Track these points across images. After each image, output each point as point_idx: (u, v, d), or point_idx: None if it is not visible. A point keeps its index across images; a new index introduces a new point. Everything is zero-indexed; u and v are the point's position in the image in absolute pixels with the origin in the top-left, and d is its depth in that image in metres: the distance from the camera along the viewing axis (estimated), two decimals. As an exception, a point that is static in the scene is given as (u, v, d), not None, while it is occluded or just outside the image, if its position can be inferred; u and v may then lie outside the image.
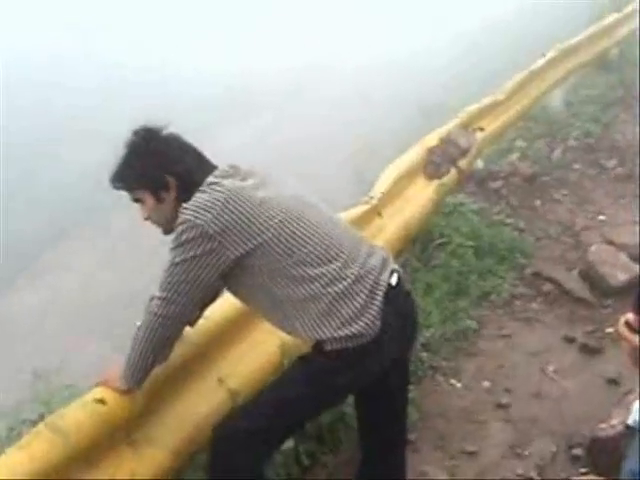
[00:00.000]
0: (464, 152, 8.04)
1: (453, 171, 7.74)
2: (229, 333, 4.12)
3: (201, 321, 3.75)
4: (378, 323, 3.19)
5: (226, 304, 3.91)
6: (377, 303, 3.22)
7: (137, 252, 11.90)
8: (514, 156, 9.75)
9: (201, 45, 22.60)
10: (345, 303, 3.17)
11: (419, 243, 6.90)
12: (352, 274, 3.22)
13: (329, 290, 3.17)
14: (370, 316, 3.18)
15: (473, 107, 9.08)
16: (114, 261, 12.22)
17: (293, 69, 19.89)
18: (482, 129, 9.00)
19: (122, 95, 18.59)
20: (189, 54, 21.98)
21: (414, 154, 7.40)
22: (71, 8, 24.45)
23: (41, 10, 24.21)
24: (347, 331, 3.15)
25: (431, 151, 7.60)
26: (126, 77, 20.33)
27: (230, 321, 4.07)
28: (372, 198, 6.08)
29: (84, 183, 14.17)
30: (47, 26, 23.37)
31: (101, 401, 3.34)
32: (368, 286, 3.24)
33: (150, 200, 3.39)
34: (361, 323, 3.16)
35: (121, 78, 20.24)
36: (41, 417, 3.90)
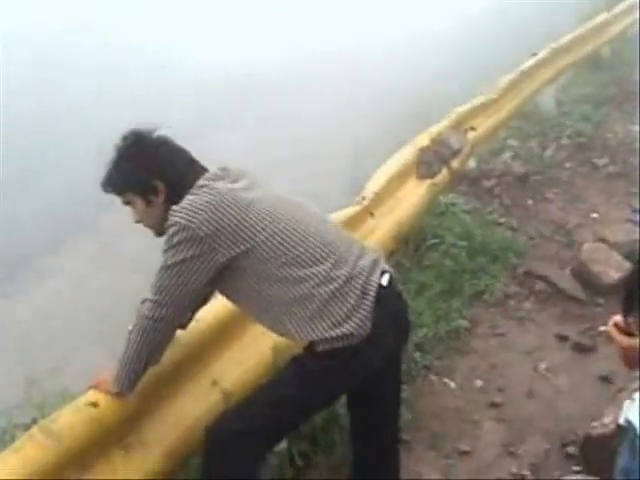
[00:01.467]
0: (456, 152, 8.06)
1: (445, 171, 7.75)
2: (221, 335, 4.13)
3: (193, 323, 3.76)
4: (369, 323, 3.20)
5: (218, 306, 3.92)
6: (368, 303, 3.22)
7: (131, 254, 11.91)
8: (506, 155, 9.76)
9: (204, 34, 22.59)
10: (336, 304, 3.18)
11: (411, 243, 6.91)
12: (343, 275, 3.23)
13: (320, 291, 3.18)
14: (361, 316, 3.18)
15: (465, 107, 9.10)
16: (107, 264, 12.20)
17: (295, 59, 19.87)
18: (474, 129, 9.01)
19: (124, 81, 18.63)
20: (191, 41, 21.97)
21: (406, 154, 7.41)
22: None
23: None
24: (338, 331, 3.15)
25: (423, 151, 7.61)
26: (127, 63, 20.34)
27: (222, 323, 4.08)
28: (364, 198, 6.09)
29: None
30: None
31: (94, 404, 3.35)
32: (359, 287, 3.24)
33: (139, 204, 3.40)
34: (352, 323, 3.16)
35: (123, 63, 20.25)
36: (34, 421, 3.89)
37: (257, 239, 3.16)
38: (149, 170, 3.39)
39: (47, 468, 3.07)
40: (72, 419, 3.27)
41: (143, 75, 19.13)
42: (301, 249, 3.21)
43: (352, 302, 3.20)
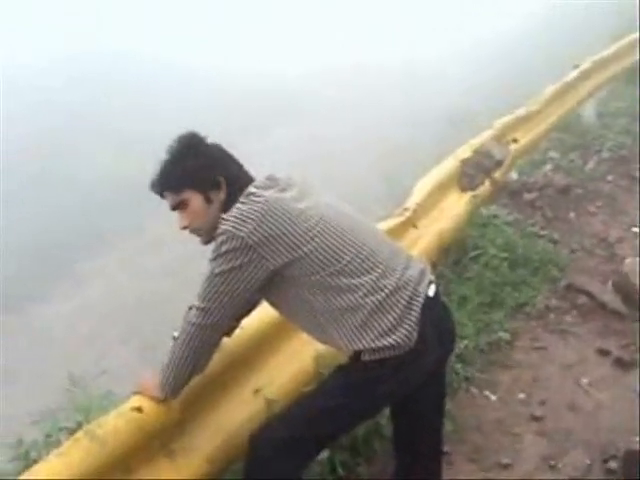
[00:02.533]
0: (498, 164, 8.04)
1: (487, 183, 7.74)
2: (265, 343, 4.15)
3: (238, 331, 3.78)
4: (415, 334, 3.19)
5: (262, 314, 3.93)
6: (415, 314, 3.22)
7: (166, 259, 12.00)
8: (548, 167, 9.72)
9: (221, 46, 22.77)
10: (383, 314, 3.18)
11: (453, 254, 6.90)
12: (390, 285, 3.23)
13: (367, 301, 3.18)
14: (408, 327, 3.18)
15: (507, 118, 9.09)
16: (144, 268, 12.29)
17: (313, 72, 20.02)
18: (516, 140, 8.99)
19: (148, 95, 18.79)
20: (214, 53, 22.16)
21: (448, 165, 7.41)
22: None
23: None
24: (385, 342, 3.15)
25: (465, 163, 7.60)
26: (154, 76, 20.50)
27: (266, 331, 4.10)
28: (407, 210, 6.10)
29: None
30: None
31: (138, 409, 3.37)
32: (406, 297, 3.24)
33: (198, 201, 3.37)
34: (399, 334, 3.16)
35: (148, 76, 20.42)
36: (79, 425, 3.92)
37: (306, 248, 3.16)
38: (211, 165, 3.41)
39: (91, 472, 3.10)
40: (117, 424, 3.29)
41: (172, 89, 19.31)
42: (349, 258, 3.21)
43: (399, 312, 3.19)
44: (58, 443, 3.85)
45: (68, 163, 16.23)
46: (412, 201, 6.33)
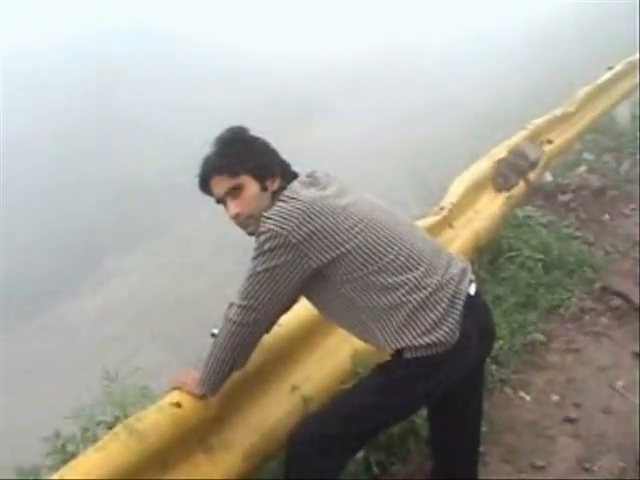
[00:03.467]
0: (533, 164, 8.01)
1: (522, 183, 7.72)
2: (303, 340, 4.15)
3: (276, 327, 3.76)
4: (457, 332, 3.18)
5: (301, 311, 3.92)
6: (457, 312, 3.21)
7: (195, 257, 12.05)
8: (582, 169, 9.67)
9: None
10: (425, 312, 3.16)
11: (488, 255, 6.89)
12: (433, 283, 3.21)
13: (410, 299, 3.17)
14: (450, 325, 3.17)
15: (542, 119, 9.07)
16: (173, 265, 12.34)
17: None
18: (550, 141, 8.97)
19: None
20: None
21: (483, 165, 7.40)
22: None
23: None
24: (427, 339, 3.14)
25: (500, 163, 7.58)
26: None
27: (305, 328, 4.10)
28: (443, 209, 6.09)
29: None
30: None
31: (177, 405, 3.38)
32: (448, 295, 3.22)
33: (254, 187, 3.35)
34: (441, 332, 3.15)
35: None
36: (116, 419, 3.94)
37: (349, 245, 3.15)
38: (268, 153, 3.43)
39: (130, 467, 3.11)
40: (156, 419, 3.31)
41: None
42: (392, 256, 3.20)
43: (441, 310, 3.18)
44: (95, 437, 3.87)
45: (101, 162, 16.30)
46: (447, 200, 6.32)
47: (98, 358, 9.00)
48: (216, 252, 10.95)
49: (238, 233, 3.50)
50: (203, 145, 3.48)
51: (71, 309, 11.71)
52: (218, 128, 3.47)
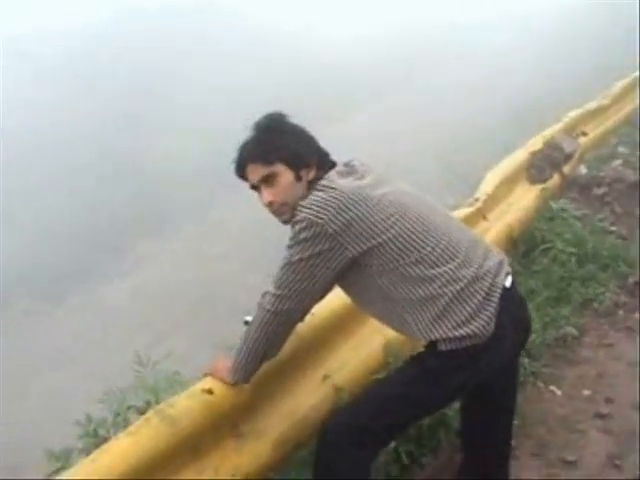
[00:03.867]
0: (568, 157, 7.97)
1: (556, 176, 7.68)
2: (336, 329, 4.15)
3: (309, 316, 3.75)
4: (493, 324, 3.16)
5: (333, 300, 3.90)
6: (493, 304, 3.18)
7: (225, 243, 12.05)
8: (617, 162, 9.59)
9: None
10: (461, 304, 3.14)
11: (522, 247, 6.85)
12: (469, 274, 3.19)
13: (446, 290, 3.14)
14: (486, 317, 3.14)
15: (577, 111, 9.02)
16: (204, 251, 12.36)
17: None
18: (585, 134, 8.91)
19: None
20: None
21: (518, 157, 7.36)
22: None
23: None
24: (462, 331, 3.11)
25: (535, 155, 7.54)
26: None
27: (338, 317, 4.11)
28: (477, 200, 6.07)
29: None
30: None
31: (209, 391, 3.39)
32: (485, 287, 3.20)
33: (288, 177, 3.32)
34: (476, 324, 3.12)
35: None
36: (147, 404, 3.95)
37: (386, 236, 3.13)
38: (304, 143, 3.40)
39: (161, 452, 3.13)
40: (188, 405, 3.32)
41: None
42: (429, 248, 3.17)
43: (477, 302, 3.15)
44: (126, 422, 3.88)
45: (133, 144, 16.34)
46: (482, 191, 6.30)
47: (127, 342, 9.02)
48: (245, 238, 10.93)
49: (267, 220, 3.49)
50: (240, 128, 3.46)
51: (101, 293, 11.72)
52: (260, 110, 3.46)
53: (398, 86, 18.04)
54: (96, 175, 15.31)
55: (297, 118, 3.50)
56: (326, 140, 3.53)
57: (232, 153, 3.44)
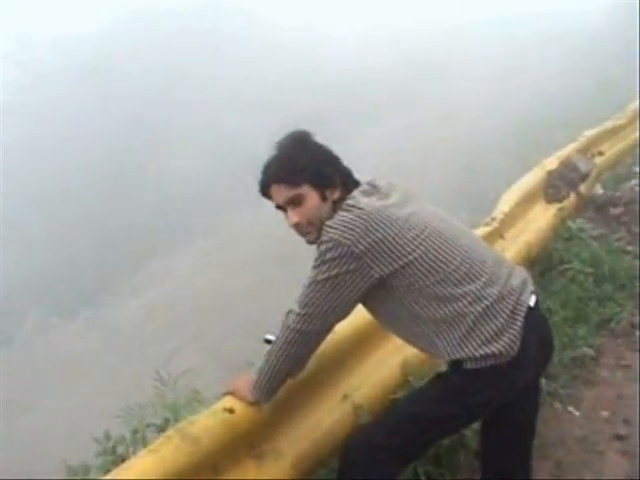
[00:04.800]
0: (584, 176, 7.96)
1: (573, 195, 7.67)
2: (356, 348, 4.14)
3: (330, 335, 3.75)
4: (518, 343, 3.14)
5: (355, 319, 3.87)
6: (518, 323, 3.17)
7: (240, 258, 12.06)
8: (633, 182, 9.57)
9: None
10: (487, 322, 3.13)
11: (539, 267, 6.83)
12: (494, 293, 3.18)
13: (472, 309, 3.13)
14: (511, 336, 3.13)
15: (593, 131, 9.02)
16: (218, 266, 12.37)
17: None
18: (602, 153, 8.90)
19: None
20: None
21: (535, 176, 7.36)
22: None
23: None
24: (488, 350, 3.10)
25: (551, 174, 7.54)
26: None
27: (357, 336, 4.10)
28: (494, 219, 6.05)
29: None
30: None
31: (230, 410, 3.38)
32: (510, 306, 3.19)
33: (313, 198, 3.31)
34: (502, 342, 3.11)
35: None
36: (166, 421, 3.94)
37: (412, 256, 3.11)
38: (329, 162, 3.38)
39: (181, 470, 3.11)
40: (209, 423, 3.31)
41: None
42: (454, 267, 3.16)
43: (502, 321, 3.14)
44: (144, 439, 3.87)
45: (147, 158, 16.37)
46: (499, 210, 6.29)
47: (140, 357, 9.04)
48: (257, 255, 10.92)
49: (281, 237, 3.48)
50: (259, 143, 3.45)
51: (115, 309, 11.77)
52: (281, 124, 3.45)
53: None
54: (110, 193, 15.35)
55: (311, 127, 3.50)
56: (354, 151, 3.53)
57: (245, 168, 3.43)
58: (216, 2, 23.65)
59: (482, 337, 3.12)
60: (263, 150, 3.41)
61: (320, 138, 3.46)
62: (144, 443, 3.68)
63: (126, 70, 20.12)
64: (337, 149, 3.45)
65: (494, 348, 3.11)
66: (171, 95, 18.65)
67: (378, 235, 3.07)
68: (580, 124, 9.92)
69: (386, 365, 4.26)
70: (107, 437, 3.99)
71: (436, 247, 3.17)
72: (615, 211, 8.62)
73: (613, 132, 9.56)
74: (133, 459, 3.13)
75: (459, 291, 3.14)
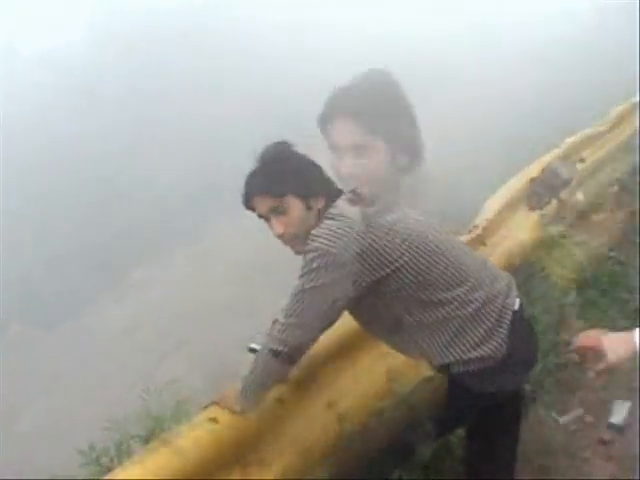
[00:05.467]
0: (565, 183, 7.96)
1: (554, 202, 7.67)
2: (340, 357, 4.13)
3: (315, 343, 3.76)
4: (505, 346, 3.17)
5: (339, 327, 3.87)
6: (504, 327, 3.22)
7: (223, 268, 12.01)
8: (615, 189, 9.58)
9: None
10: (474, 326, 3.16)
11: (521, 274, 6.83)
12: (481, 297, 3.21)
13: (458, 313, 3.16)
14: (498, 339, 3.17)
15: (575, 137, 9.01)
16: (200, 277, 12.32)
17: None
18: (583, 160, 8.91)
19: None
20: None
21: (517, 183, 7.37)
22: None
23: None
24: (475, 354, 3.14)
25: (534, 181, 7.55)
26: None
27: (342, 344, 4.09)
28: (476, 227, 6.06)
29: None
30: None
31: (214, 420, 3.38)
32: (496, 309, 3.22)
33: (298, 209, 3.32)
34: (489, 346, 3.15)
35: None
36: (151, 432, 3.92)
37: (398, 263, 3.13)
38: (312, 171, 3.40)
39: (168, 481, 3.10)
40: (194, 434, 3.32)
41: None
42: (440, 272, 3.19)
43: (489, 325, 3.18)
44: (129, 450, 3.85)
45: (129, 170, 16.30)
46: (481, 218, 6.29)
47: (123, 368, 9.01)
48: (241, 264, 10.87)
49: (264, 247, 3.48)
50: (237, 150, 3.45)
51: (96, 319, 11.70)
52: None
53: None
54: (91, 201, 15.27)
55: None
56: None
57: (229, 175, 3.43)
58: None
59: (470, 341, 3.15)
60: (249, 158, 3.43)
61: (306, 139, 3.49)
62: (129, 454, 3.66)
63: (112, 71, 20.04)
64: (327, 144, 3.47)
65: (482, 351, 3.14)
66: (156, 98, 18.56)
67: (364, 243, 3.09)
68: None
69: (371, 373, 4.24)
70: (92, 449, 3.97)
71: (422, 253, 3.19)
72: (597, 218, 8.63)
73: (594, 139, 9.55)
74: (119, 470, 3.14)
75: (446, 296, 3.17)
